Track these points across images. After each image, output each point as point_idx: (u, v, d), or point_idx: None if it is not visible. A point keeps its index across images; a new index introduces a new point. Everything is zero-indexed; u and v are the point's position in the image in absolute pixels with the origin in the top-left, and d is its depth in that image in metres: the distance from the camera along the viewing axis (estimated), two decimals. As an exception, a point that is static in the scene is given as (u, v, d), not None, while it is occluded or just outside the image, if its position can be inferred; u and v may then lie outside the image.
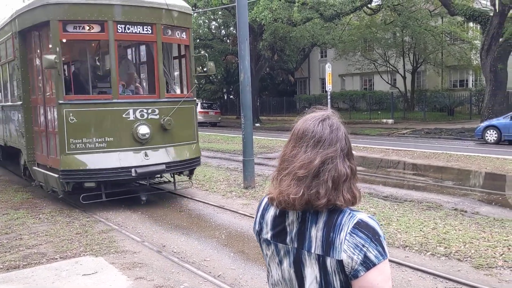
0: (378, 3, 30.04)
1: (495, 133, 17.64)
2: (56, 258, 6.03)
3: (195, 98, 9.43)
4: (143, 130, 8.44)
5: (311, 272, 1.50)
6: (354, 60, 35.24)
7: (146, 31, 8.62)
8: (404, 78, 34.02)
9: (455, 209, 8.02)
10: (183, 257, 6.05)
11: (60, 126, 8.11)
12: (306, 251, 1.51)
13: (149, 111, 8.62)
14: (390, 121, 29.25)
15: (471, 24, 30.05)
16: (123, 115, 8.39)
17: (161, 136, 8.75)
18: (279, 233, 1.58)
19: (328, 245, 1.46)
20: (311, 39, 32.36)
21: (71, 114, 8.11)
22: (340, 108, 36.65)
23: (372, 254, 1.42)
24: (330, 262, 1.45)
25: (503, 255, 5.70)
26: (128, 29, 8.42)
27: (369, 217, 1.49)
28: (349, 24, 33.70)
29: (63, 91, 8.21)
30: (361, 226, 1.44)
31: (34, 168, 9.48)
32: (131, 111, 8.44)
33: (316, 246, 1.48)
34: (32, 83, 9.56)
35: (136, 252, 6.25)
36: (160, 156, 8.67)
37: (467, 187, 10.24)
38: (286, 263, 1.57)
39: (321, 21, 29.18)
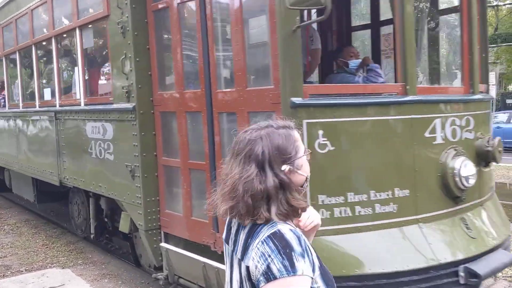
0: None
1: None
2: (22, 271, 5.88)
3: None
4: (469, 169, 3.72)
5: (236, 275, 1.53)
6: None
7: None
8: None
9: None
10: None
11: None
12: (235, 254, 1.54)
13: (463, 122, 3.89)
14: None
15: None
16: (426, 134, 3.64)
17: (477, 179, 3.90)
18: (227, 235, 1.64)
19: (245, 250, 1.47)
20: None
21: (320, 134, 3.35)
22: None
23: (275, 267, 1.34)
24: (243, 268, 1.47)
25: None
26: None
27: (291, 230, 1.42)
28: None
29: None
30: (275, 237, 1.39)
31: (166, 247, 4.58)
32: (437, 123, 3.70)
33: (238, 250, 1.51)
34: (159, 66, 4.59)
35: (105, 263, 6.16)
36: (487, 228, 3.98)
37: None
38: (228, 264, 1.61)
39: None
